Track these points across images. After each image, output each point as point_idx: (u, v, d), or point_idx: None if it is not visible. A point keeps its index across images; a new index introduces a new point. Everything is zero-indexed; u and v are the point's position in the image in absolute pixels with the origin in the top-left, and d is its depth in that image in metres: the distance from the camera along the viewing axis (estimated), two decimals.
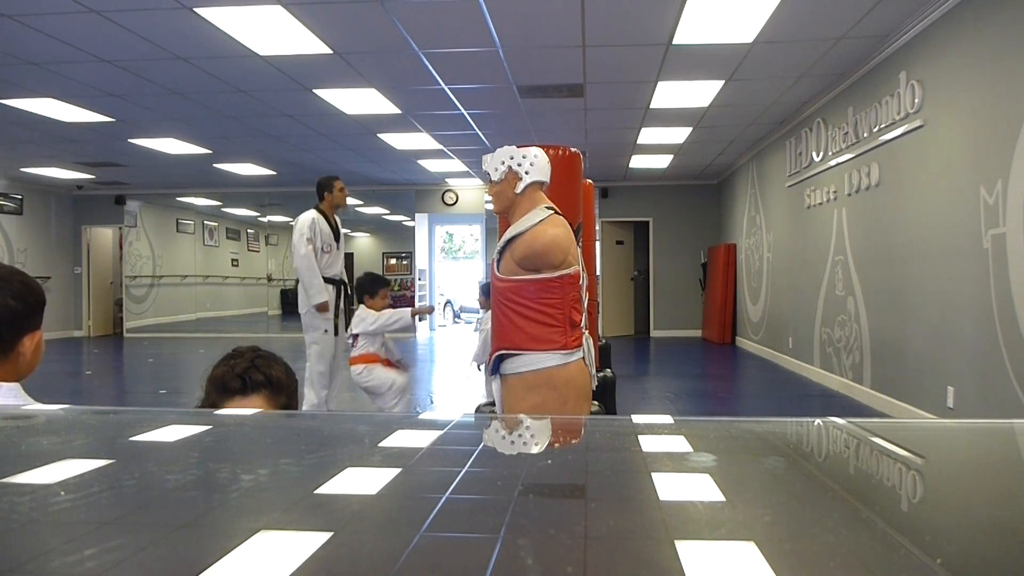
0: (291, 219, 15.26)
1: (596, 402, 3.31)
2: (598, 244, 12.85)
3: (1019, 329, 4.18)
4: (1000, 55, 4.37)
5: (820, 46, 5.89)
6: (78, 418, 1.08)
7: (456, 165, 11.50)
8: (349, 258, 5.62)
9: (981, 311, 4.57)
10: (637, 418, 0.95)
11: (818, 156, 7.61)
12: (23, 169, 11.62)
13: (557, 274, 2.57)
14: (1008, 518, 0.63)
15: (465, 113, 8.02)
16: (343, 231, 5.32)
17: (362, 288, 4.66)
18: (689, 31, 5.43)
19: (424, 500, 0.61)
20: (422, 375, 8.93)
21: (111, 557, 0.49)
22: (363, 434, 0.96)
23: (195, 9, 4.90)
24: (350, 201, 5.34)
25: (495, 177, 2.68)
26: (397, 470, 0.71)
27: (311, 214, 5.07)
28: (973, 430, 1.05)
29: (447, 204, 14.13)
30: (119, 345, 13.19)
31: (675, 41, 5.65)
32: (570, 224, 2.72)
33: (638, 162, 11.25)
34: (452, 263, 20.54)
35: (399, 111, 7.88)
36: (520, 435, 0.94)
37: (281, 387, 1.63)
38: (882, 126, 5.98)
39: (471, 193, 14.05)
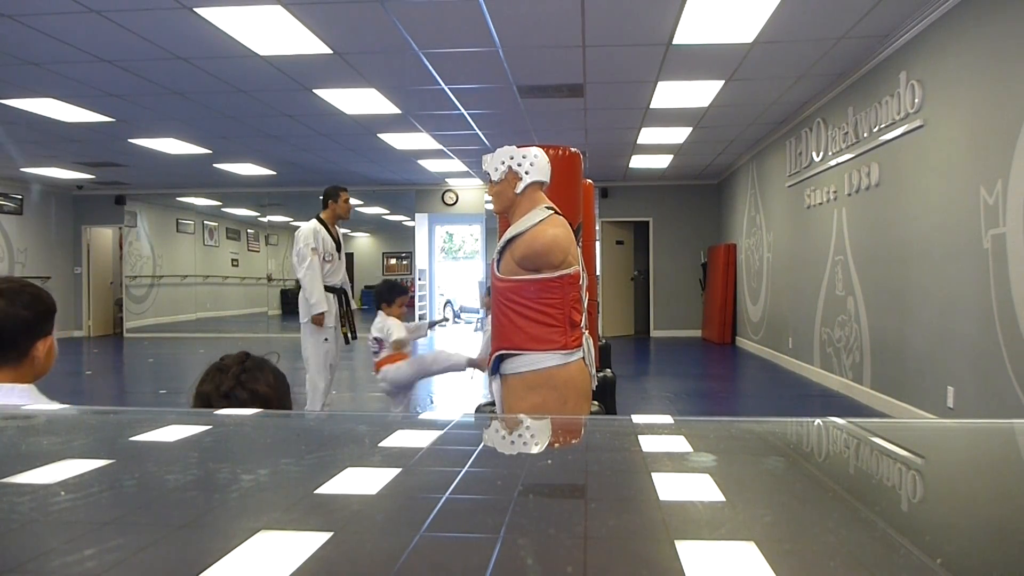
0: (291, 219, 15.32)
1: (596, 402, 3.31)
2: (598, 244, 12.85)
3: (1019, 329, 4.18)
4: (1000, 55, 4.37)
5: (820, 46, 5.89)
6: (78, 418, 1.08)
7: (456, 165, 11.50)
8: (349, 258, 5.62)
9: (981, 311, 4.57)
10: (637, 418, 0.95)
11: (818, 156, 7.61)
12: (23, 169, 11.62)
13: (557, 274, 2.57)
14: (1008, 518, 0.63)
15: (465, 113, 8.02)
16: (343, 231, 5.32)
17: (380, 295, 4.66)
18: (689, 31, 5.43)
19: (424, 500, 0.61)
20: None
21: (111, 557, 0.49)
22: (363, 434, 0.96)
23: (195, 9, 4.90)
24: (351, 202, 5.35)
25: (495, 177, 2.68)
26: (397, 470, 0.71)
27: (313, 224, 5.08)
28: (973, 430, 1.05)
29: (447, 204, 14.13)
30: (119, 345, 13.19)
31: (675, 41, 5.66)
32: (570, 224, 2.72)
33: (638, 162, 11.25)
34: (452, 263, 20.53)
35: (399, 111, 7.88)
36: (520, 435, 0.94)
37: (269, 401, 1.62)
38: (882, 126, 5.98)
39: (471, 193, 14.05)
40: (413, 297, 15.03)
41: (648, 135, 9.21)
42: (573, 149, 3.63)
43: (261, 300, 17.04)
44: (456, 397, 7.26)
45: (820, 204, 7.61)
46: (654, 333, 13.47)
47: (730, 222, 12.34)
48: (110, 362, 11.31)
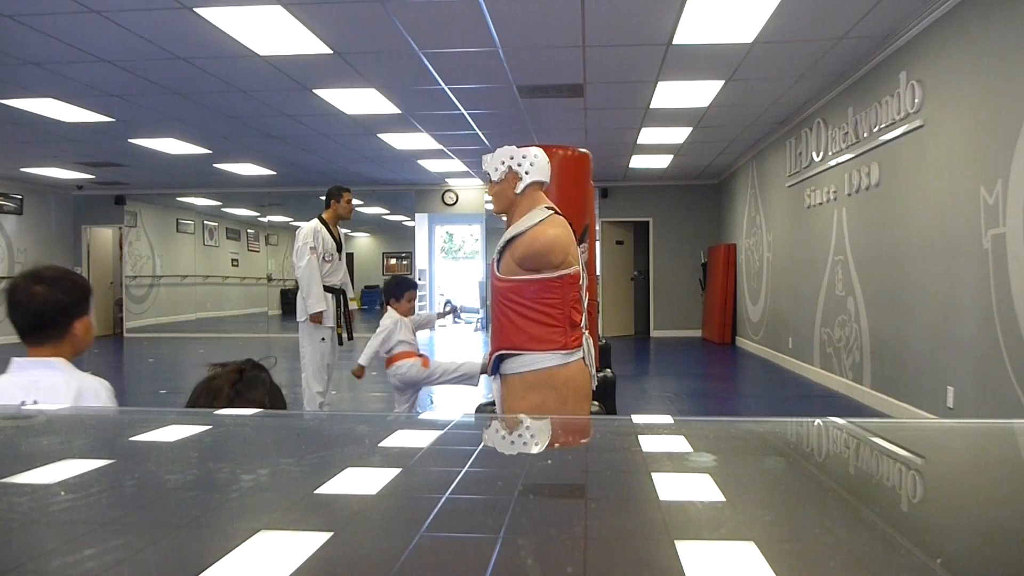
0: (291, 219, 15.33)
1: (596, 402, 3.31)
2: (598, 244, 12.85)
3: (1019, 329, 4.18)
4: (1000, 55, 4.37)
5: (820, 46, 5.89)
6: (78, 418, 1.08)
7: (456, 165, 11.50)
8: (349, 258, 5.60)
9: (981, 311, 4.57)
10: (637, 418, 0.95)
11: (818, 156, 7.61)
12: (23, 169, 11.62)
13: (557, 274, 2.57)
14: (1008, 518, 0.63)
15: (465, 113, 8.02)
16: (343, 231, 5.32)
17: (388, 290, 4.61)
18: (689, 31, 5.43)
19: (424, 500, 0.61)
20: None
21: (111, 557, 0.49)
22: (363, 434, 0.96)
23: (195, 9, 4.90)
24: (352, 203, 5.34)
25: (495, 177, 2.68)
26: (397, 470, 0.71)
27: (313, 223, 5.08)
28: (973, 430, 1.05)
29: (447, 204, 14.13)
30: (119, 345, 13.18)
31: (675, 41, 5.65)
32: (579, 225, 2.71)
33: (638, 162, 11.25)
34: (452, 263, 20.54)
35: (399, 111, 7.88)
36: (520, 435, 0.94)
37: None
38: (882, 126, 5.98)
39: (471, 193, 14.05)
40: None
41: (648, 135, 9.22)
42: (582, 150, 3.62)
43: (261, 300, 17.04)
44: (456, 397, 7.26)
45: (820, 204, 7.61)
46: (654, 333, 13.47)
47: (730, 222, 12.33)
48: (110, 362, 11.31)
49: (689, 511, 0.61)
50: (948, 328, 5.02)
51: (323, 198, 5.28)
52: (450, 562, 0.50)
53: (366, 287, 19.79)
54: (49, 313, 1.80)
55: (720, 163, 11.57)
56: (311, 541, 0.51)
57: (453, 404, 6.97)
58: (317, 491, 0.63)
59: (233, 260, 18.58)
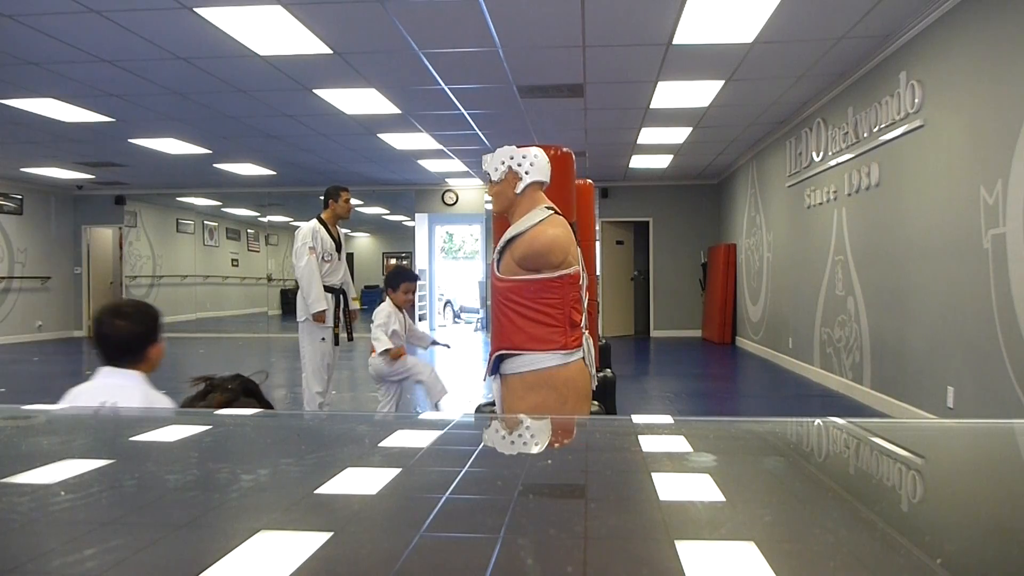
0: (291, 219, 15.32)
1: (596, 402, 3.31)
2: (598, 244, 12.84)
3: (1019, 329, 4.18)
4: (1000, 55, 4.37)
5: (820, 46, 5.89)
6: (78, 418, 1.08)
7: (456, 165, 11.50)
8: (348, 258, 5.60)
9: (981, 311, 4.57)
10: (637, 418, 0.95)
11: (818, 156, 7.61)
12: (23, 169, 11.62)
13: (557, 274, 2.57)
14: (1008, 518, 0.63)
15: (465, 113, 8.02)
16: (343, 231, 5.32)
17: (387, 280, 4.61)
18: (689, 31, 5.43)
19: (424, 500, 0.61)
20: None
21: (111, 557, 0.49)
22: (363, 434, 0.96)
23: (195, 9, 4.90)
24: (351, 202, 5.34)
25: (495, 177, 2.68)
26: (397, 470, 0.71)
27: (312, 223, 5.07)
28: (973, 430, 1.05)
29: (447, 204, 14.13)
30: None
31: (675, 41, 5.65)
32: None
33: (638, 162, 11.25)
34: (452, 263, 20.54)
35: (399, 111, 7.88)
36: (520, 435, 0.94)
37: None
38: (882, 126, 5.98)
39: (471, 193, 14.05)
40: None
41: (648, 135, 9.21)
42: (565, 149, 3.64)
43: (261, 300, 17.03)
44: (456, 397, 7.25)
45: (820, 204, 7.61)
46: (654, 333, 13.47)
47: (730, 222, 12.33)
48: None
49: (689, 511, 0.61)
50: (948, 328, 5.02)
51: (322, 198, 5.28)
52: (450, 562, 0.50)
53: (366, 287, 19.78)
54: (131, 343, 2.17)
55: (720, 163, 11.57)
56: (311, 541, 0.51)
57: (453, 404, 6.96)
58: (317, 491, 0.63)
59: (233, 260, 18.58)
